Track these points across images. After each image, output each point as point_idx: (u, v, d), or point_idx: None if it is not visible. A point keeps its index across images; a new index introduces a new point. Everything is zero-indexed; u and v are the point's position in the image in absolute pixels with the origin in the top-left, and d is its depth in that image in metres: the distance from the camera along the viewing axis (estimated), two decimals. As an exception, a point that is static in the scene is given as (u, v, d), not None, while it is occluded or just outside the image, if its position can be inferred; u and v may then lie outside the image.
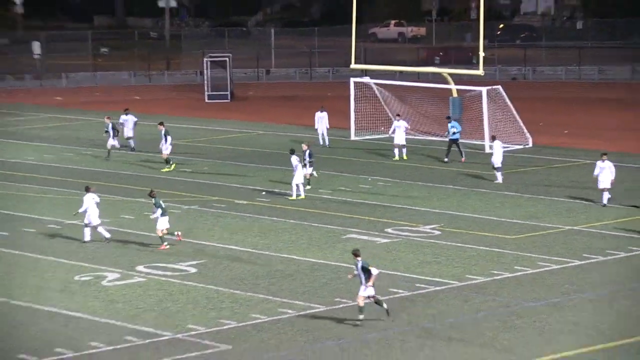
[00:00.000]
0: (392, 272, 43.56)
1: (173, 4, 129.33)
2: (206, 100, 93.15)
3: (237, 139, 74.15)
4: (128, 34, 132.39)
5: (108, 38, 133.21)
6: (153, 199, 47.22)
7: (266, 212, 53.92)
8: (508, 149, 68.67)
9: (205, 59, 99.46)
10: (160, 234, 46.84)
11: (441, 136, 71.92)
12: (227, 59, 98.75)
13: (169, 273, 43.74)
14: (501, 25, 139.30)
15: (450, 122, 66.86)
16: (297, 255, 46.04)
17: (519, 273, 43.60)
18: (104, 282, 42.37)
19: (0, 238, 49.47)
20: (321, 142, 69.74)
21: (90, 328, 37.79)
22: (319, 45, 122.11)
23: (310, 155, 56.64)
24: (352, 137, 73.32)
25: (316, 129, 71.30)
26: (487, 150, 68.12)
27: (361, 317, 36.60)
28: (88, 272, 44.09)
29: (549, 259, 45.36)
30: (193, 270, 44.34)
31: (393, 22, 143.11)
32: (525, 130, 70.16)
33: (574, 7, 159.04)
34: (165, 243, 46.89)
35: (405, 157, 66.91)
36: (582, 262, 44.93)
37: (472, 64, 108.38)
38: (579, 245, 47.45)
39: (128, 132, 71.58)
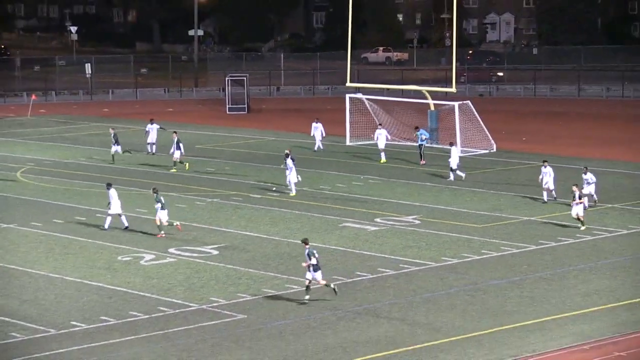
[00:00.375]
0: (380, 255, 43.88)
1: (200, 32, 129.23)
2: (227, 112, 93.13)
3: (252, 144, 74.27)
4: (163, 58, 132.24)
5: (147, 61, 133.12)
6: (155, 195, 46.98)
7: (276, 205, 54.00)
8: (476, 152, 69.01)
9: (226, 78, 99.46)
10: (158, 223, 46.79)
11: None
12: (244, 78, 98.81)
13: (195, 255, 43.90)
14: (470, 51, 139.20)
15: (418, 130, 66.54)
16: (314, 242, 46.00)
17: (485, 256, 43.80)
18: (142, 262, 42.60)
19: (56, 225, 49.44)
20: (316, 148, 69.31)
21: (130, 300, 37.96)
22: (320, 67, 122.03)
23: (292, 159, 55.81)
24: (348, 143, 73.46)
25: (312, 136, 71.03)
26: (459, 154, 68.08)
27: (336, 291, 37.06)
28: (129, 254, 44.27)
29: (510, 244, 45.54)
30: (215, 252, 44.53)
31: (381, 48, 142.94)
32: (490, 138, 70.22)
33: (530, 36, 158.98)
34: (162, 232, 46.92)
35: (384, 160, 66.46)
36: (537, 247, 45.14)
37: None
38: (535, 233, 47.64)
39: (152, 138, 70.94)
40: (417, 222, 49.82)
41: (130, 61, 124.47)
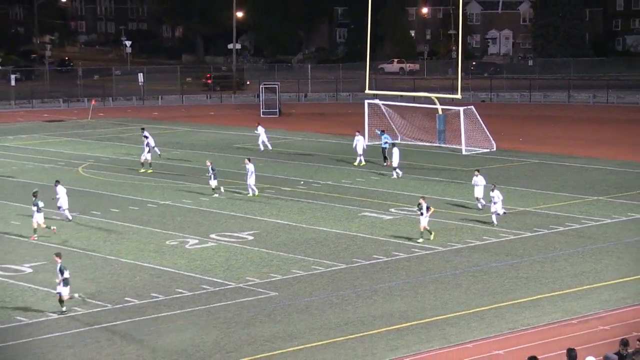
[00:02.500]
0: (394, 240, 43.88)
1: (238, 46, 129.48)
2: (261, 115, 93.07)
3: (283, 144, 74.22)
4: (206, 68, 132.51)
5: (191, 71, 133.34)
6: (34, 198, 44.30)
7: (303, 196, 53.97)
8: (478, 151, 68.79)
9: (260, 86, 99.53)
10: (35, 226, 44.13)
11: (430, 142, 72.00)
12: (276, 86, 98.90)
13: (233, 240, 43.96)
14: (474, 63, 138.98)
15: (383, 134, 65.55)
16: (325, 228, 46.19)
17: (486, 241, 43.73)
18: (187, 246, 42.71)
19: (113, 213, 49.57)
20: (357, 162, 65.16)
21: (177, 279, 38.07)
22: (342, 76, 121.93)
23: (213, 169, 53.96)
24: (366, 143, 73.09)
25: (354, 148, 66.19)
26: (464, 152, 68.11)
27: (64, 309, 33.86)
28: (175, 239, 44.38)
29: (508, 231, 45.46)
30: (251, 237, 44.57)
31: (396, 60, 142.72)
32: (491, 138, 70.01)
33: (526, 50, 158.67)
34: (36, 235, 44.19)
35: (363, 163, 64.07)
36: (532, 234, 45.10)
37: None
38: (529, 221, 47.53)
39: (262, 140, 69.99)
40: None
41: (177, 71, 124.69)
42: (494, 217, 46.10)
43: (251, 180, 54.07)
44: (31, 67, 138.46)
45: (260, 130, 71.67)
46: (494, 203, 45.91)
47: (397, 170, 59.37)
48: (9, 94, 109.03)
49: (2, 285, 37.51)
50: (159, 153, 66.45)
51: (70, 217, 47.89)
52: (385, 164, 63.41)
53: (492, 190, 46.15)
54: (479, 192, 49.53)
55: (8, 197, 54.48)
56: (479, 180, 49.48)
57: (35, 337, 31.76)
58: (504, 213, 46.76)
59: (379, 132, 67.05)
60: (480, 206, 49.66)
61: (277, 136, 76.91)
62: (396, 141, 64.87)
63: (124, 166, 64.67)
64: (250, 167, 54.19)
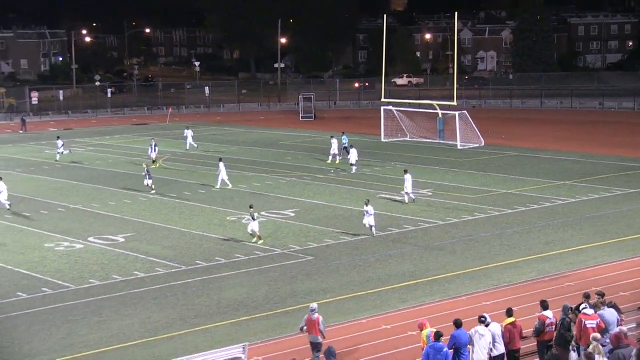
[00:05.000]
0: (404, 216, 43.78)
1: (282, 65, 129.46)
2: (300, 119, 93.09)
3: (317, 140, 74.07)
4: (257, 82, 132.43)
5: (246, 85, 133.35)
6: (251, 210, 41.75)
7: (333, 182, 53.95)
8: (470, 146, 68.44)
9: (300, 96, 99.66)
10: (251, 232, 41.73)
11: (432, 139, 71.78)
12: (312, 95, 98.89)
13: (279, 216, 44.03)
14: (466, 77, 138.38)
15: (342, 135, 64.46)
16: (350, 206, 46.09)
17: (477, 217, 43.59)
18: (243, 221, 42.62)
19: (186, 195, 49.73)
20: (330, 160, 61.90)
21: (235, 246, 38.27)
22: (364, 88, 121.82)
23: (148, 172, 51.28)
24: (382, 140, 73.18)
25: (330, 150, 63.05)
26: (459, 147, 67.89)
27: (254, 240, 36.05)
28: (234, 215, 44.45)
29: (493, 208, 45.27)
30: (292, 214, 44.60)
31: (405, 75, 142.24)
32: (480, 135, 69.73)
33: (507, 66, 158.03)
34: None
35: (337, 162, 61.19)
36: (512, 211, 44.86)
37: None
38: (510, 201, 47.32)
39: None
40: (430, 194, 49.57)
41: (235, 85, 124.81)
42: (373, 230, 39.59)
43: (223, 175, 52.12)
44: (123, 83, 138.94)
45: (188, 132, 71.21)
46: (368, 215, 39.10)
47: (354, 166, 57.31)
48: (106, 104, 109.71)
49: (101, 250, 37.75)
50: (196, 146, 68.88)
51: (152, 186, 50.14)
52: (341, 158, 61.84)
53: (366, 205, 39.45)
54: (407, 187, 46.76)
55: (105, 183, 54.82)
56: (407, 177, 46.79)
57: (128, 292, 31.94)
58: (372, 227, 39.59)
59: (341, 134, 65.73)
60: (407, 200, 46.89)
61: (312, 135, 76.93)
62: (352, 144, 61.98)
63: (193, 159, 64.80)
64: (220, 165, 52.15)
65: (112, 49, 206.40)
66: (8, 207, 46.39)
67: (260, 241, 38.50)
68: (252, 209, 38.90)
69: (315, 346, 23.70)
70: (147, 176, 51.24)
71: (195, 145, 69.66)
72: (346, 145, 63.40)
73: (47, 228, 42.20)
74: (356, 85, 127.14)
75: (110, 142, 77.21)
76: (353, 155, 58.15)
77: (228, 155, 66.17)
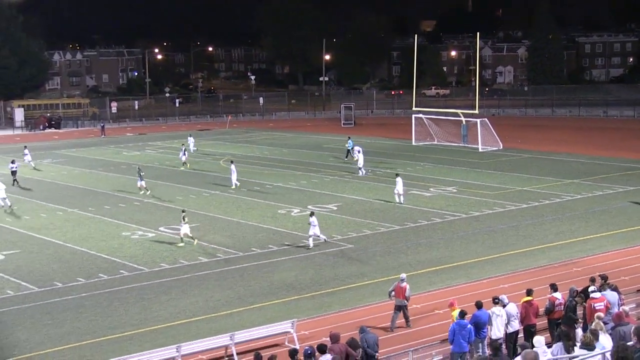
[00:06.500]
0: (433, 210, 43.63)
1: (326, 79, 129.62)
2: (342, 125, 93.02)
3: (357, 144, 73.87)
4: (305, 93, 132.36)
5: (295, 96, 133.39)
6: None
7: (370, 180, 53.81)
8: (490, 149, 67.99)
9: (341, 105, 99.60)
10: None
11: (457, 143, 71.37)
12: (352, 105, 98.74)
13: (324, 209, 43.94)
14: (487, 89, 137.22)
15: (349, 139, 63.32)
16: (385, 201, 45.91)
17: (496, 210, 43.38)
18: (292, 214, 42.85)
19: (242, 191, 49.88)
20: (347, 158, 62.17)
21: (285, 236, 38.43)
22: (397, 99, 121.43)
23: (140, 174, 49.44)
24: (413, 143, 72.89)
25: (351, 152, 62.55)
26: (480, 150, 67.43)
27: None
28: (284, 209, 44.52)
29: (511, 204, 44.99)
30: (335, 208, 44.56)
31: (433, 87, 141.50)
32: (499, 140, 69.30)
33: (523, 79, 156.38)
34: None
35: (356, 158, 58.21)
36: (527, 205, 44.56)
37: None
38: (526, 197, 46.95)
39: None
40: (455, 190, 49.35)
41: (285, 96, 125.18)
42: (310, 241, 35.69)
43: (233, 177, 50.99)
44: (189, 94, 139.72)
45: (190, 140, 70.32)
46: (313, 226, 35.60)
47: (362, 169, 55.95)
48: (174, 112, 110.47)
49: (170, 239, 37.92)
50: (192, 151, 67.86)
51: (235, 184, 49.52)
52: (346, 158, 61.65)
53: (311, 216, 36.18)
54: (398, 189, 45.11)
55: (174, 180, 55.18)
56: (399, 180, 45.51)
57: (193, 274, 32.14)
58: (318, 236, 36.06)
59: (347, 138, 65.46)
60: (397, 199, 45.16)
61: (354, 139, 76.91)
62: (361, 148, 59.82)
63: (250, 160, 65.02)
64: (232, 167, 51.47)
65: (180, 65, 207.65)
66: (2, 205, 45.54)
67: (195, 242, 36.47)
68: (184, 213, 37.16)
69: (400, 308, 25.28)
70: (140, 178, 49.47)
71: (192, 150, 68.08)
72: (350, 148, 62.93)
73: (124, 219, 42.64)
74: (392, 92, 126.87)
75: (178, 145, 77.57)
76: (360, 159, 56.60)
77: (280, 157, 66.42)
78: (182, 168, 60.61)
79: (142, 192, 49.09)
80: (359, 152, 58.32)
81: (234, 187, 50.73)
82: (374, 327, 23.80)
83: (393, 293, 25.35)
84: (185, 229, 36.61)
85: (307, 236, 35.89)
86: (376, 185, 51.84)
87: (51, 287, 30.63)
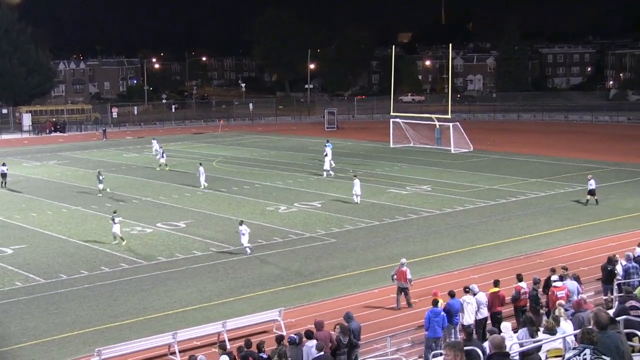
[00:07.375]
0: (409, 207, 43.56)
1: (311, 86, 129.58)
2: (325, 129, 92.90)
3: (341, 146, 73.64)
4: (291, 100, 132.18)
5: (282, 102, 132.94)
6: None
7: (352, 179, 53.67)
8: (461, 151, 68.04)
9: (325, 111, 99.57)
10: None
11: (431, 145, 71.43)
12: (335, 110, 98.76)
13: (309, 207, 43.92)
14: (459, 96, 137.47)
15: (327, 143, 59.56)
16: (366, 199, 45.84)
17: (467, 207, 43.36)
18: (279, 211, 42.73)
19: (236, 190, 49.69)
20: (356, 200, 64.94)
21: (273, 231, 38.39)
22: (376, 104, 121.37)
23: (99, 177, 48.77)
24: (391, 146, 72.93)
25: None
26: (452, 151, 67.54)
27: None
28: (272, 206, 44.43)
29: (480, 201, 45.05)
30: (319, 205, 44.45)
31: (409, 94, 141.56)
32: (469, 142, 69.42)
33: (491, 87, 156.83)
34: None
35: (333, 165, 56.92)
36: (495, 202, 44.65)
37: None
38: (494, 194, 47.08)
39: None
40: (429, 189, 49.37)
41: (273, 102, 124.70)
42: (247, 250, 33.50)
43: (202, 179, 50.10)
44: (184, 100, 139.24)
45: (155, 143, 68.94)
46: (242, 235, 33.23)
47: (330, 171, 55.09)
48: (170, 117, 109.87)
49: (167, 234, 37.89)
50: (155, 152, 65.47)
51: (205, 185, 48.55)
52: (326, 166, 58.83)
53: (240, 225, 33.64)
54: (356, 190, 44.12)
55: (170, 180, 54.96)
56: (356, 182, 44.39)
57: (188, 267, 32.07)
58: (249, 249, 33.58)
59: (325, 140, 62.96)
60: (355, 200, 44.17)
61: (337, 142, 76.72)
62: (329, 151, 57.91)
63: (242, 161, 64.88)
64: (201, 169, 50.65)
65: (176, 73, 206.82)
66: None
67: (124, 242, 35.17)
68: (115, 214, 36.00)
69: (402, 290, 25.99)
70: (99, 181, 48.72)
71: (155, 152, 66.48)
72: (329, 147, 61.02)
73: (124, 216, 42.27)
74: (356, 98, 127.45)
75: (174, 147, 77.31)
76: (326, 162, 55.51)
77: (268, 158, 66.31)
78: (158, 169, 59.82)
79: (100, 194, 48.27)
80: (326, 154, 56.49)
81: (202, 187, 49.79)
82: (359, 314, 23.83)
83: (395, 276, 25.97)
84: (115, 228, 35.43)
85: (242, 246, 33.48)
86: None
87: (56, 279, 30.51)
